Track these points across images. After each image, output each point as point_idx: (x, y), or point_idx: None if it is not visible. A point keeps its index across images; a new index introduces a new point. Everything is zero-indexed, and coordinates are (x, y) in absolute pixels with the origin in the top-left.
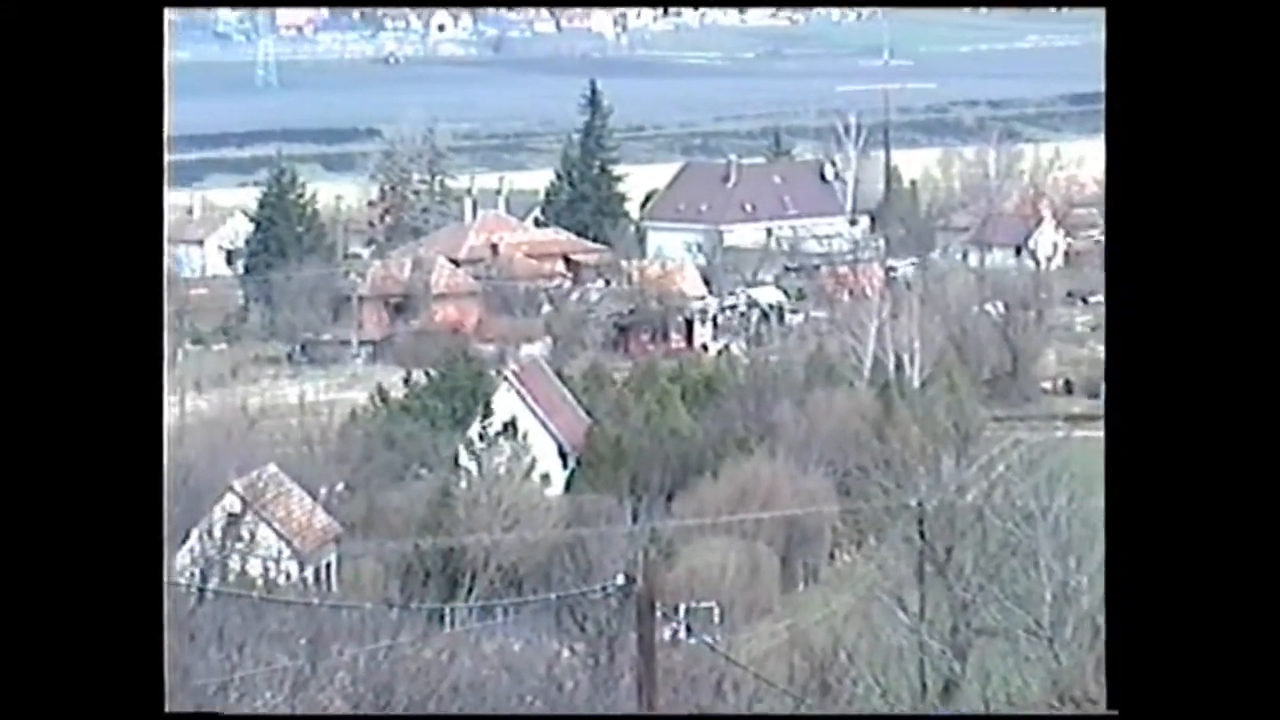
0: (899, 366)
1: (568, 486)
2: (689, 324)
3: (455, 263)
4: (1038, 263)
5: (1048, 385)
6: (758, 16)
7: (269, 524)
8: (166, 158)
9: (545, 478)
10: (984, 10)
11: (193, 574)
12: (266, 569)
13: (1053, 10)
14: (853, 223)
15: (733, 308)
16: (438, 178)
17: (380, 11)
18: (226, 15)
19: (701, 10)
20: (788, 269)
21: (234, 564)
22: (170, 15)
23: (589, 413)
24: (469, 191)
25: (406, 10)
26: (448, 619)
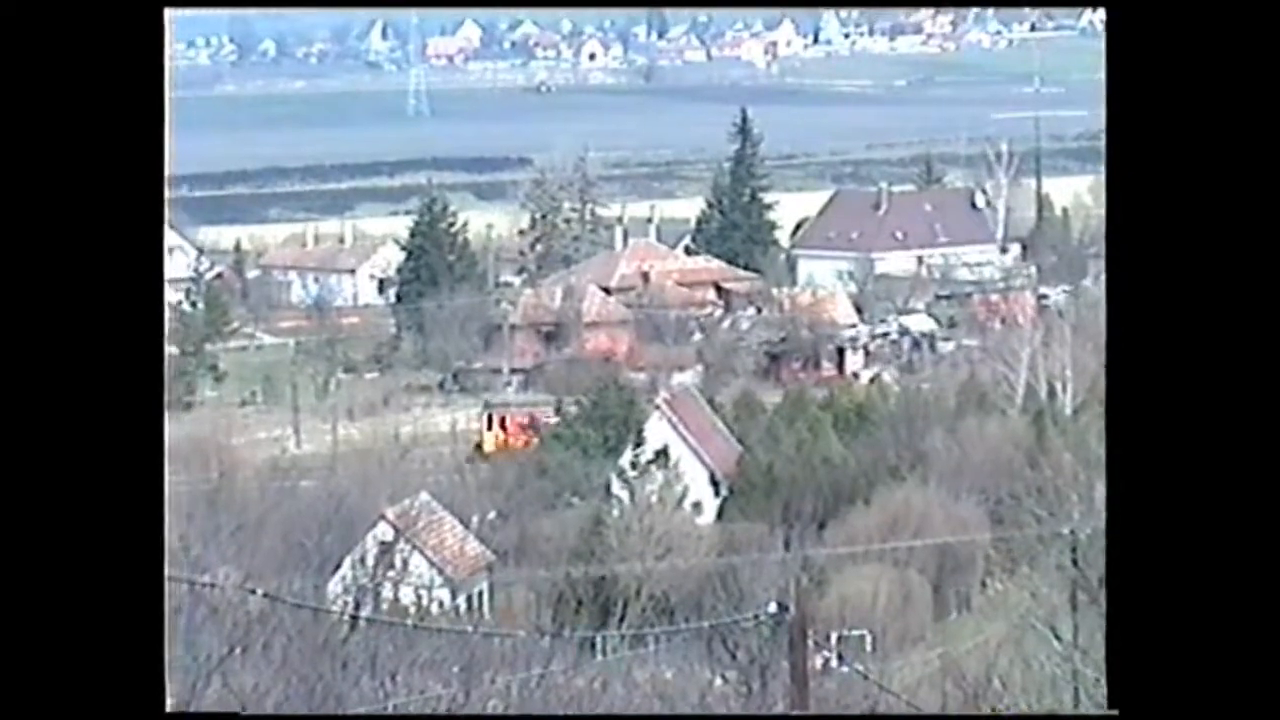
0: (1051, 394)
1: (719, 514)
2: (840, 352)
3: (606, 291)
4: None
5: None
6: (908, 43)
7: (421, 552)
8: (319, 187)
9: (697, 506)
10: None
11: (345, 602)
12: (419, 597)
13: None
14: (1004, 250)
15: (884, 335)
16: (588, 206)
17: (531, 40)
18: (378, 45)
19: (851, 38)
20: (939, 297)
21: (386, 592)
22: (321, 45)
23: (740, 441)
24: (620, 220)
25: (557, 39)
26: (599, 647)
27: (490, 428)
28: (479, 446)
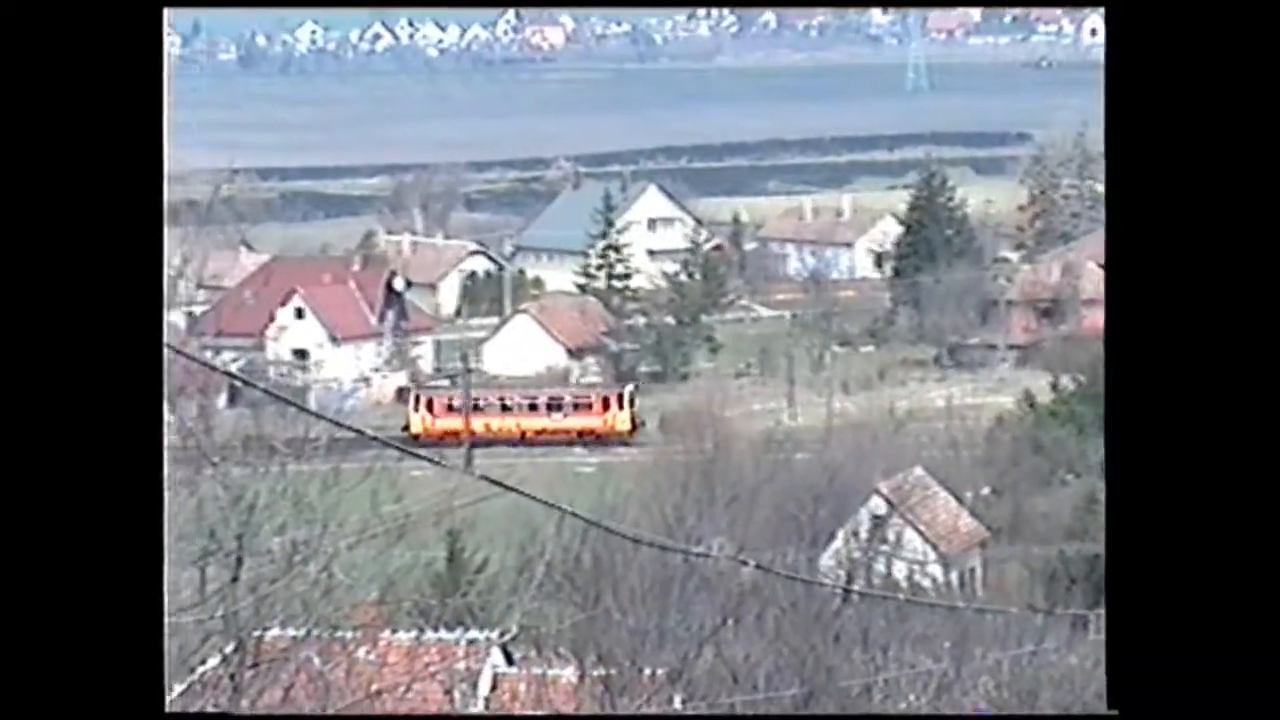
0: None
1: None
2: None
3: (1104, 268)
4: None
5: None
6: None
7: (914, 527)
8: (817, 160)
9: None
10: None
11: (838, 575)
12: (911, 571)
13: None
14: None
15: None
16: (1088, 182)
17: (1033, 15)
18: (878, 18)
19: None
20: None
21: (879, 566)
22: (822, 17)
23: None
24: None
25: (1059, 13)
26: (1092, 626)
27: (417, 409)
28: (406, 428)
